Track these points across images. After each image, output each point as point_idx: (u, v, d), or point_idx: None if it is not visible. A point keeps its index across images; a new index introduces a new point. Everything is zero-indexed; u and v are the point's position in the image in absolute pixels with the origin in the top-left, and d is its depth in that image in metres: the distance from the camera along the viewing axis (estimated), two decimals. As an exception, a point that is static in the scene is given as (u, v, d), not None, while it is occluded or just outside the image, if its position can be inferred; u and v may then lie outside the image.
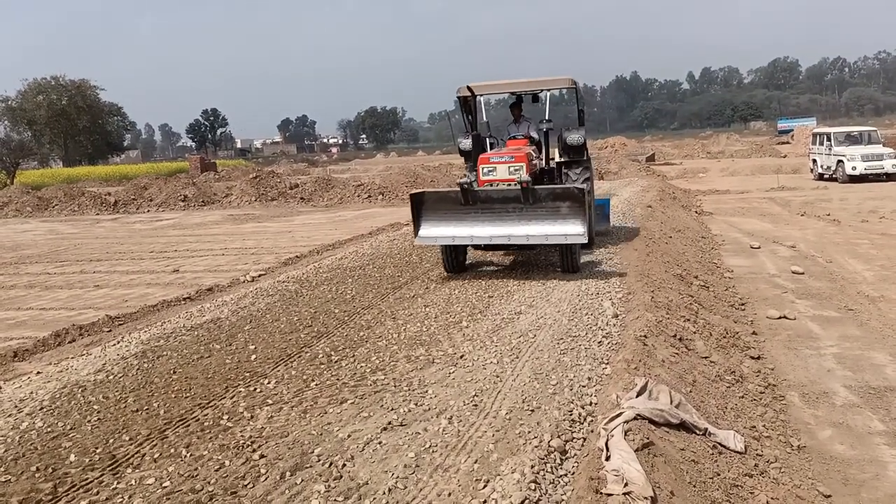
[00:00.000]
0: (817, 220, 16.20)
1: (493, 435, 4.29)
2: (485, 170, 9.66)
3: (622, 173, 31.64)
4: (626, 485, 3.17)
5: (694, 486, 3.66)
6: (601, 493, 3.16)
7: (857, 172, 24.49)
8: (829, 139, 26.29)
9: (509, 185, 9.25)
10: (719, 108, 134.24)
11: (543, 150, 11.38)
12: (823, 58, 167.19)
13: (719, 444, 4.42)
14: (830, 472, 4.55)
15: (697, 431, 4.39)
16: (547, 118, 11.42)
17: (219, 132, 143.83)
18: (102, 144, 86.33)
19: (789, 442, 4.88)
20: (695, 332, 6.71)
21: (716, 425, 4.66)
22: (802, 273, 10.46)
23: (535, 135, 11.27)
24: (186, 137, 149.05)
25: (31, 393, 5.77)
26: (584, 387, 5.05)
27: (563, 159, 10.98)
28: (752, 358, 6.59)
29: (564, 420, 4.40)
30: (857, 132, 27.10)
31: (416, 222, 9.15)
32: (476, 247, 10.24)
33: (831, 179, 25.77)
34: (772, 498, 4.01)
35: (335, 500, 3.67)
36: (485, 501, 3.43)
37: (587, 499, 3.14)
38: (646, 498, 3.10)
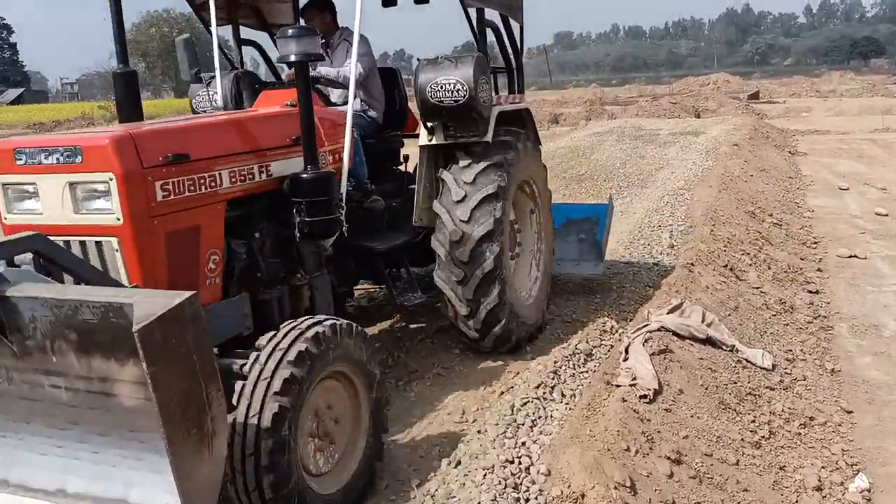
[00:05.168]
0: (918, 164, 15.50)
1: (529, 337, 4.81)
2: None
3: (720, 111, 30.59)
4: (633, 379, 3.62)
5: (705, 389, 4.04)
6: (611, 385, 3.62)
7: (973, 115, 22.95)
8: (946, 78, 24.64)
9: None
10: (838, 43, 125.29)
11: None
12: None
13: (746, 360, 4.71)
14: (858, 393, 4.73)
15: (724, 348, 4.71)
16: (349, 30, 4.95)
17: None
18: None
19: (824, 365, 5.05)
20: (750, 265, 6.88)
21: (748, 345, 4.94)
22: (886, 215, 10.23)
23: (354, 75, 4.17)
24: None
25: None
26: (623, 304, 5.47)
27: (431, 142, 4.59)
28: (810, 292, 6.68)
29: (596, 330, 4.87)
30: (981, 70, 25.19)
31: None
32: None
33: (946, 121, 24.24)
34: (789, 408, 4.30)
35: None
36: (511, 387, 3.99)
37: (597, 387, 3.61)
38: (649, 389, 3.54)
